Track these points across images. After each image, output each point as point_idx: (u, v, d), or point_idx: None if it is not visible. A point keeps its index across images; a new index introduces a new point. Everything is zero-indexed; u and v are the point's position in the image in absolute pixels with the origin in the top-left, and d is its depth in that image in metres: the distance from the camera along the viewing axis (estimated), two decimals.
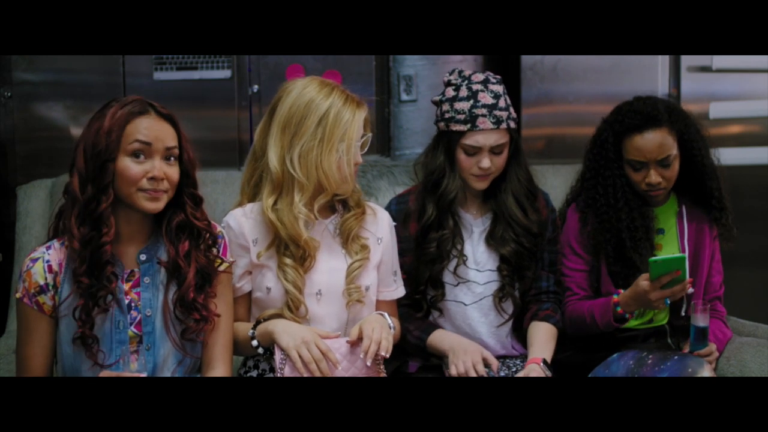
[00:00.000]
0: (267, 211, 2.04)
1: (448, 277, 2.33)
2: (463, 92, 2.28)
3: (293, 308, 2.06)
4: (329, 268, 2.11)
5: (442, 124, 2.31)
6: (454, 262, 2.32)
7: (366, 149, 2.11)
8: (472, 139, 2.25)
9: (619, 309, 2.30)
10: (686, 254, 2.27)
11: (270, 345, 2.03)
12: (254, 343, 2.05)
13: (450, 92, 2.30)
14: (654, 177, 2.34)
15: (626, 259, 2.38)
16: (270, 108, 2.11)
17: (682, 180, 2.41)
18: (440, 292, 2.32)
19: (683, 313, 2.43)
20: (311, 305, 2.08)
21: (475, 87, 2.28)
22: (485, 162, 2.25)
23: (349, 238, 2.12)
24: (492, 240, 2.33)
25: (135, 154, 1.85)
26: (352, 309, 2.11)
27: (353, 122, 2.04)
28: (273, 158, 2.04)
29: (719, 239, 2.49)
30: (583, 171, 2.48)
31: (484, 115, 2.24)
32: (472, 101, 2.26)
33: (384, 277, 2.21)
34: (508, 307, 2.35)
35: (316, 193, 2.06)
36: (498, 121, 2.25)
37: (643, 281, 2.23)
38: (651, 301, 2.23)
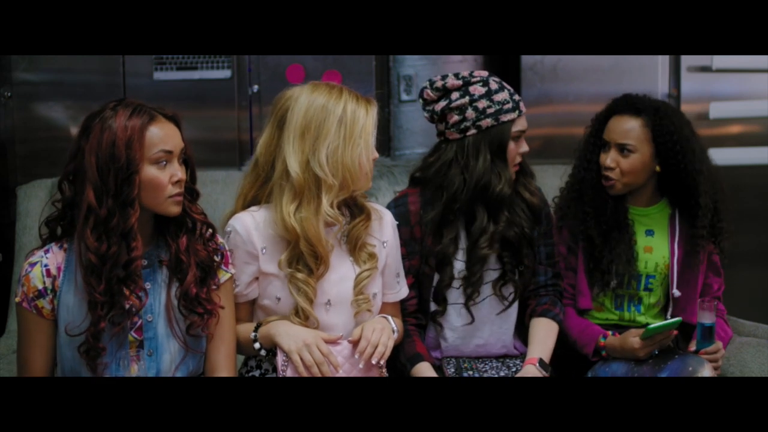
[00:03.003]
0: (289, 218, 2.01)
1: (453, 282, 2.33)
2: (494, 85, 2.28)
3: (302, 318, 2.05)
4: (338, 277, 2.09)
5: (488, 120, 2.24)
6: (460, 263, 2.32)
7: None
8: (521, 124, 2.29)
9: (603, 353, 2.33)
10: (680, 319, 2.28)
11: (272, 346, 2.04)
12: (256, 345, 2.05)
13: (478, 89, 2.26)
14: (609, 160, 2.37)
15: (602, 255, 2.39)
16: (275, 119, 2.08)
17: (673, 190, 2.42)
18: (443, 307, 2.32)
19: (668, 316, 2.44)
20: (320, 315, 2.07)
21: (496, 78, 2.30)
22: (525, 145, 2.30)
23: (356, 246, 2.11)
24: (494, 224, 2.28)
25: (158, 162, 1.85)
26: (359, 318, 2.11)
27: (368, 118, 2.05)
28: (294, 165, 2.01)
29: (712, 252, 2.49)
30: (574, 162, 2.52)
31: (520, 100, 2.30)
32: (506, 90, 2.29)
33: (388, 279, 2.20)
34: (507, 292, 2.32)
35: (338, 191, 2.05)
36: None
37: (633, 338, 2.25)
38: (639, 356, 2.26)
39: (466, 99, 2.26)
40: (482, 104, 2.25)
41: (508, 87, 2.30)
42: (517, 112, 2.27)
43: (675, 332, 2.28)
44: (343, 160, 2.01)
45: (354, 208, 2.14)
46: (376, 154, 2.09)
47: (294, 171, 2.01)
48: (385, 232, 2.18)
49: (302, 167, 2.02)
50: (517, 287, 2.32)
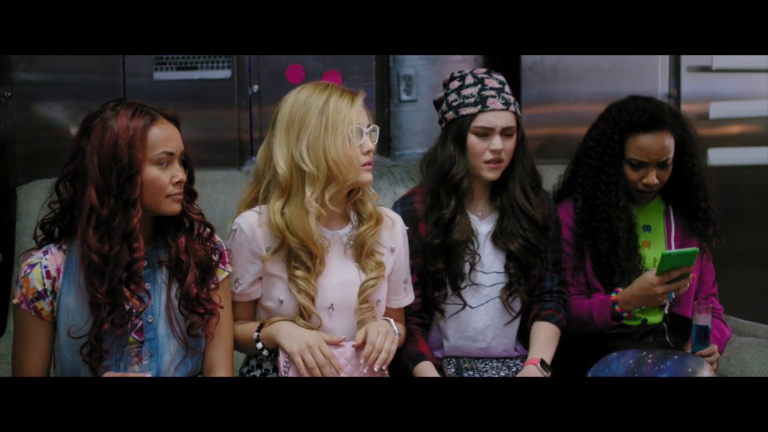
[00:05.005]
0: (274, 216, 2.02)
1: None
2: (469, 80, 2.30)
3: (306, 317, 2.05)
4: (342, 281, 2.09)
5: (450, 113, 2.30)
6: (467, 264, 2.31)
7: (376, 141, 2.09)
8: (484, 120, 2.25)
9: (617, 307, 2.31)
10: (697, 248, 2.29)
11: (275, 347, 2.04)
12: (259, 345, 2.05)
13: (455, 84, 2.32)
14: (652, 178, 2.36)
15: (616, 256, 2.38)
16: (271, 125, 2.10)
17: (669, 183, 2.42)
18: (443, 293, 2.31)
19: (666, 311, 2.44)
20: (323, 319, 2.07)
21: (480, 75, 2.31)
22: (497, 143, 2.25)
23: (363, 253, 2.10)
24: (500, 236, 2.31)
25: (159, 163, 1.85)
26: (362, 325, 2.10)
27: (352, 107, 2.04)
28: (280, 161, 2.03)
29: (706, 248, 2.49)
30: (578, 167, 2.48)
31: (493, 96, 2.27)
32: (479, 86, 2.28)
33: (394, 285, 2.19)
34: (516, 305, 2.34)
35: (326, 184, 2.03)
36: (507, 103, 2.27)
37: (650, 274, 2.24)
38: (657, 295, 2.24)
39: (442, 93, 2.35)
40: (451, 98, 2.31)
41: (492, 84, 2.28)
42: (479, 107, 2.26)
43: (694, 276, 2.27)
44: (324, 149, 2.01)
45: (363, 214, 2.13)
46: (371, 146, 2.07)
47: (280, 167, 2.03)
48: (395, 239, 2.17)
49: (287, 162, 2.02)
50: (525, 301, 2.33)
